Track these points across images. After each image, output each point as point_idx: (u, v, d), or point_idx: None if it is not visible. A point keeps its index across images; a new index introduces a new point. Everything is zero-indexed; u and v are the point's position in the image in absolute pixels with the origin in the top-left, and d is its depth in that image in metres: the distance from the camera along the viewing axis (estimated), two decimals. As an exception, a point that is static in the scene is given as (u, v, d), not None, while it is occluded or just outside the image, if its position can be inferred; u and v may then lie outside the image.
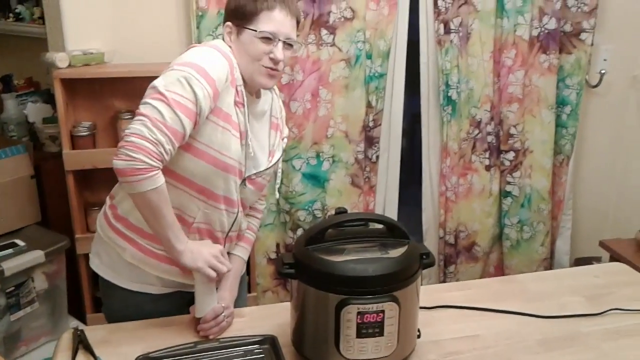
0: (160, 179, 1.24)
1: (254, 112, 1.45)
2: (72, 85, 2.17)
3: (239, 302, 1.55)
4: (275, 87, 1.55)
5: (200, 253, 1.35)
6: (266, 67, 1.37)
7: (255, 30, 1.35)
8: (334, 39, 2.35)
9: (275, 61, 1.37)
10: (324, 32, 2.34)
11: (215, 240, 1.45)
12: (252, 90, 1.45)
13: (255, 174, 1.46)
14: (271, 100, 1.54)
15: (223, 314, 1.41)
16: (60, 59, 2.11)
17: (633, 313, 1.51)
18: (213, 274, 1.35)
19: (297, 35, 1.44)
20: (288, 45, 1.39)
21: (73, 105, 2.22)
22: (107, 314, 1.56)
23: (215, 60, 1.32)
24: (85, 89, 2.22)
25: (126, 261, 1.45)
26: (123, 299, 1.49)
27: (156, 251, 1.43)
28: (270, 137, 1.52)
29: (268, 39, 1.35)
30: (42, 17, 2.54)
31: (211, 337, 1.39)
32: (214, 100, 1.31)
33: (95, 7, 2.23)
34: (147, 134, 1.20)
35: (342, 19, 2.34)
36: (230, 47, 1.40)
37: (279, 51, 1.36)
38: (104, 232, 1.49)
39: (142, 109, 1.24)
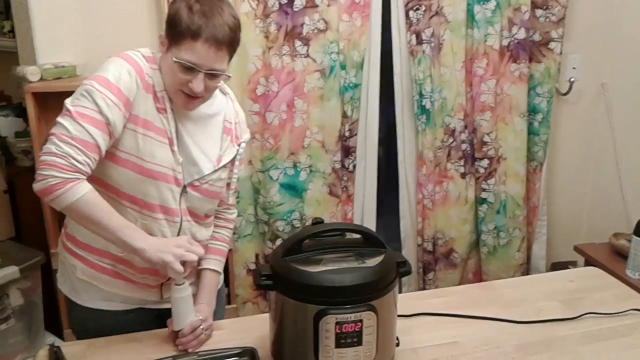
0: (81, 189, 1.23)
1: (191, 116, 1.41)
2: (44, 99, 2.15)
3: (215, 316, 1.54)
4: (230, 92, 1.53)
5: (166, 245, 1.30)
6: (185, 93, 1.32)
7: (174, 58, 1.28)
8: (308, 50, 2.37)
9: (193, 91, 1.31)
10: (297, 43, 2.35)
11: None
12: None
13: (197, 179, 1.42)
14: (225, 104, 1.50)
15: (201, 327, 1.41)
16: (31, 73, 2.10)
17: (607, 316, 1.54)
18: (181, 268, 1.29)
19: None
20: (211, 75, 1.31)
21: (45, 118, 2.19)
22: (72, 330, 1.56)
23: (120, 70, 1.30)
24: (57, 102, 2.16)
25: (80, 279, 1.45)
26: (82, 317, 1.49)
27: (105, 266, 1.43)
28: (222, 141, 1.47)
29: (188, 68, 1.28)
30: (12, 31, 2.52)
31: (190, 350, 1.38)
32: (126, 107, 1.29)
33: (66, 20, 2.21)
34: (54, 149, 1.21)
35: (316, 31, 2.35)
36: (155, 55, 1.38)
37: (197, 83, 1.29)
38: (60, 251, 1.50)
39: (53, 128, 1.25)
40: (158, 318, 1.51)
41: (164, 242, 1.33)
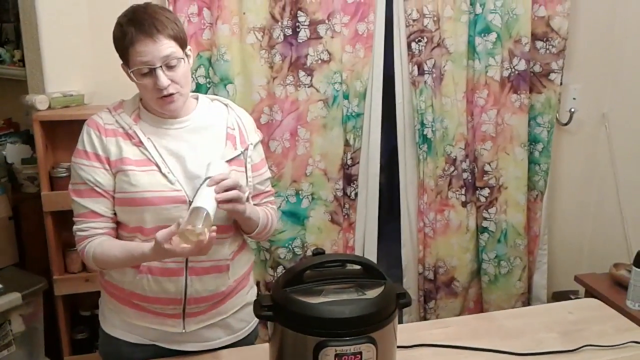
0: (89, 250, 1.42)
1: (184, 134, 1.46)
2: (52, 127, 2.19)
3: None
4: (228, 102, 1.58)
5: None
6: (159, 98, 1.39)
7: (130, 70, 1.37)
8: (311, 80, 2.41)
9: (162, 89, 1.37)
10: (301, 73, 2.39)
11: (174, 274, 1.44)
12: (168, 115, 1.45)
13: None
14: (226, 113, 1.54)
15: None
16: (40, 102, 2.14)
17: (606, 349, 1.54)
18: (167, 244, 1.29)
19: (186, 47, 1.41)
20: (170, 66, 1.37)
21: (52, 146, 2.23)
22: (99, 353, 1.62)
23: (84, 135, 1.44)
24: (64, 130, 2.23)
25: (108, 307, 1.53)
26: (104, 342, 1.56)
27: (124, 298, 1.48)
28: (227, 147, 1.49)
29: (146, 73, 1.36)
30: (22, 60, 2.57)
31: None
32: (101, 161, 1.41)
33: (75, 49, 2.26)
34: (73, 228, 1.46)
35: (319, 61, 2.39)
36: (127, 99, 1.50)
37: (160, 80, 1.35)
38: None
39: None
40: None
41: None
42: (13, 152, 2.64)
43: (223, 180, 1.35)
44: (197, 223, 1.26)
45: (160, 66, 1.35)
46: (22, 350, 2.18)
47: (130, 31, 1.34)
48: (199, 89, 2.32)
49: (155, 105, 1.42)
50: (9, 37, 2.95)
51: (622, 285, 2.40)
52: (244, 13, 2.29)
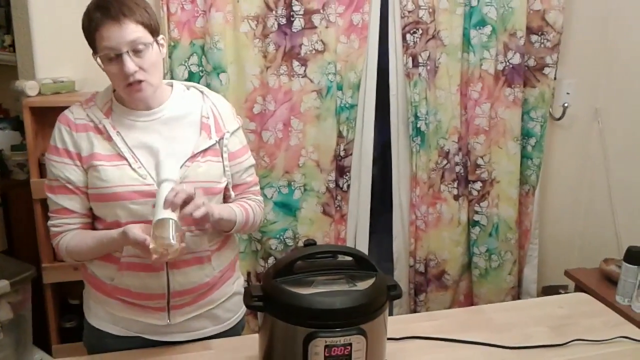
0: (63, 244, 1.43)
1: (157, 126, 1.44)
2: (42, 113, 2.16)
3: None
4: (204, 89, 1.55)
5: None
6: (127, 85, 1.36)
7: (97, 56, 1.35)
8: (305, 70, 2.39)
9: (128, 75, 1.33)
10: (295, 63, 2.38)
11: (155, 269, 1.41)
12: (140, 106, 1.43)
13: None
14: (201, 102, 1.50)
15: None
16: (30, 87, 2.11)
17: (595, 343, 1.54)
18: (141, 236, 1.27)
19: (158, 35, 1.39)
20: (137, 51, 1.34)
21: (42, 133, 2.20)
22: (83, 343, 1.60)
23: (56, 132, 1.44)
24: (55, 117, 2.16)
25: (92, 300, 1.52)
26: (89, 334, 1.54)
27: (108, 291, 1.47)
28: (201, 137, 1.46)
29: (112, 58, 1.33)
30: (12, 45, 2.54)
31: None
32: (72, 157, 1.40)
33: (66, 35, 2.21)
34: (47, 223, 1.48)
35: (314, 52, 2.38)
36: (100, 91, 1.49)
37: (126, 65, 1.32)
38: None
39: None
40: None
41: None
42: (3, 138, 2.62)
43: (176, 195, 1.30)
44: (166, 234, 1.26)
45: (127, 52, 1.33)
46: (10, 338, 2.17)
47: (96, 16, 1.32)
48: (191, 77, 2.30)
49: (124, 94, 1.40)
50: (-1, 22, 2.92)
51: (611, 281, 2.41)
52: (238, 1, 2.27)
